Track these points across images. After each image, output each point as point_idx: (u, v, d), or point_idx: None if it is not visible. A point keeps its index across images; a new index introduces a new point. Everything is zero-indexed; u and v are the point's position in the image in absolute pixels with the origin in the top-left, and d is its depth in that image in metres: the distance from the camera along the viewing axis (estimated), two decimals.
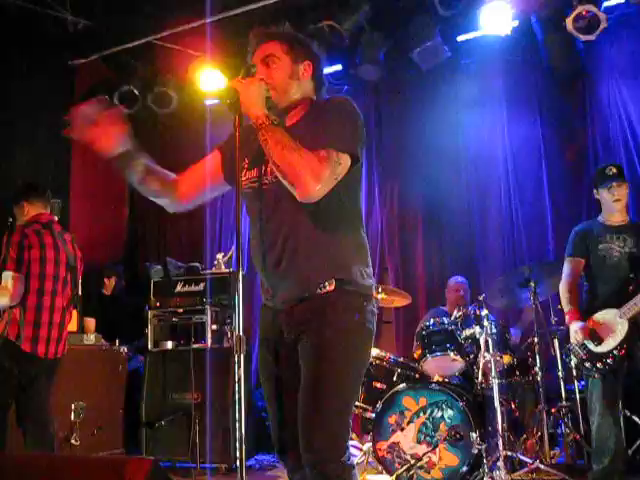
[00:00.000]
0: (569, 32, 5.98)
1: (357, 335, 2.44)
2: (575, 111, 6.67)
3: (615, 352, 4.10)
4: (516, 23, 6.28)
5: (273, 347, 2.52)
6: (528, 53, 6.69)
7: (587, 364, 4.20)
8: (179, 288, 6.02)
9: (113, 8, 6.54)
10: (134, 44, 7.04)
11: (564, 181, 6.50)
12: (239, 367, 2.06)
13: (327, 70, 7.09)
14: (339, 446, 2.31)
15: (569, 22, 5.93)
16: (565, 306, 4.43)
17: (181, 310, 5.99)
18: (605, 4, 6.06)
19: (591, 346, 4.18)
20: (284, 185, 2.35)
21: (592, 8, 5.88)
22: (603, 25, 5.90)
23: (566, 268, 4.50)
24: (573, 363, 4.34)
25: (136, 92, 7.33)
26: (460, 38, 6.73)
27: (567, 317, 4.37)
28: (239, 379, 2.08)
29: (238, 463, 1.98)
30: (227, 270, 6.05)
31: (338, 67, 7.17)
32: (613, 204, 4.37)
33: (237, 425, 2.00)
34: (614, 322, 4.14)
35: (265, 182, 2.52)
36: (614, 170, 4.39)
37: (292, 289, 2.45)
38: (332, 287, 2.41)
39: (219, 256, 6.16)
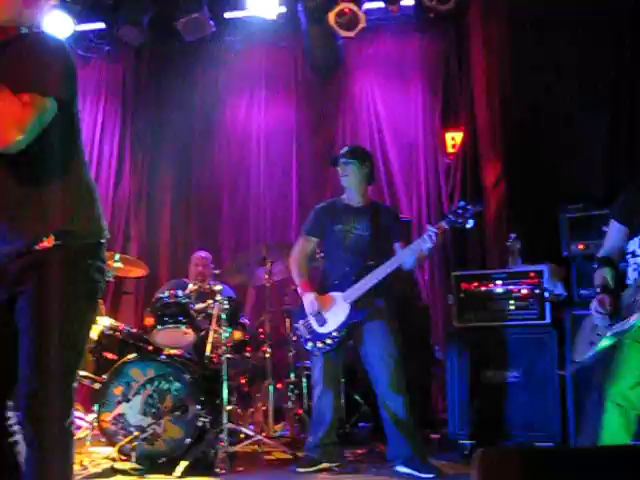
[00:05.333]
0: (331, 26, 6.20)
1: (79, 295, 2.25)
2: (330, 101, 6.95)
3: (335, 334, 4.25)
4: (283, 9, 6.38)
5: None
6: (292, 40, 6.84)
7: (309, 343, 4.34)
8: None
9: None
10: None
11: (312, 166, 6.75)
12: None
13: (88, 27, 6.75)
14: (60, 411, 2.17)
15: (331, 16, 6.12)
16: (296, 278, 4.52)
17: None
18: (366, 5, 6.29)
19: (315, 326, 4.33)
20: None
21: (353, 7, 6.12)
22: (362, 25, 6.16)
23: (297, 244, 4.64)
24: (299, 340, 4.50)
25: None
26: (227, 15, 6.69)
27: (300, 289, 4.47)
28: None
29: None
30: None
31: (100, 25, 6.78)
32: (342, 180, 4.51)
33: None
34: (338, 304, 4.29)
35: None
36: (345, 149, 4.58)
37: (5, 244, 2.21)
38: (51, 242, 2.19)
39: None
